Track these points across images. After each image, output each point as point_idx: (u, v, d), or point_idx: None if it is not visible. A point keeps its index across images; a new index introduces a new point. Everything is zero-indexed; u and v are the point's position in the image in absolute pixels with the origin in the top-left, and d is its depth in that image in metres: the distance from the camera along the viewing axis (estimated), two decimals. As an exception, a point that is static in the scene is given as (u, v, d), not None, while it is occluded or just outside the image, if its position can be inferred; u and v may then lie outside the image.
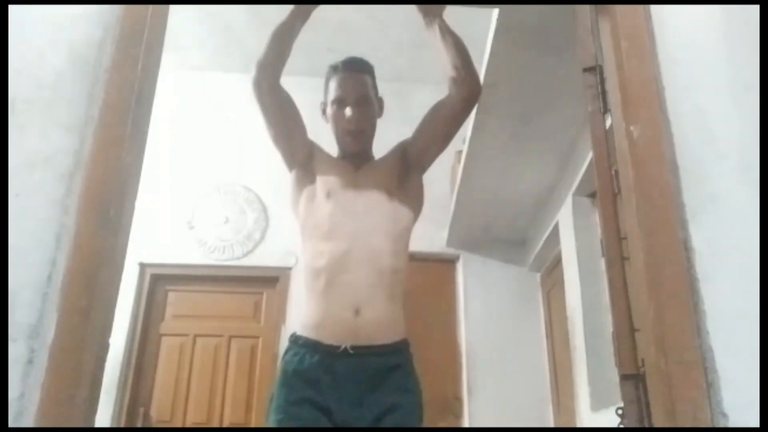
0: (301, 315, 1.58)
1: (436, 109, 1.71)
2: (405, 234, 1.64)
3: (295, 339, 1.55)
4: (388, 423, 1.44)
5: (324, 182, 1.63)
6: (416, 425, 1.50)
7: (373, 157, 1.75)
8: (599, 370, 2.96)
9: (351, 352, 1.47)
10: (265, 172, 4.15)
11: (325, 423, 1.43)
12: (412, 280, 1.65)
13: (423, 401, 1.53)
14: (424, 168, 1.74)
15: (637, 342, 1.22)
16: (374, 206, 1.60)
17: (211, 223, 4.29)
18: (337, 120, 1.69)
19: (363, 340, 1.48)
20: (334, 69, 1.73)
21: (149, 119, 1.33)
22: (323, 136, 1.75)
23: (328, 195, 1.60)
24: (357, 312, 1.49)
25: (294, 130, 1.68)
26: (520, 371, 4.05)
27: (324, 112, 1.75)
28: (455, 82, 1.66)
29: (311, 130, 1.72)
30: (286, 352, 1.54)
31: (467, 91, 1.66)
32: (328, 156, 1.72)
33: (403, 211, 1.64)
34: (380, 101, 1.77)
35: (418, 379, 1.55)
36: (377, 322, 1.51)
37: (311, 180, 1.65)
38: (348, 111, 1.66)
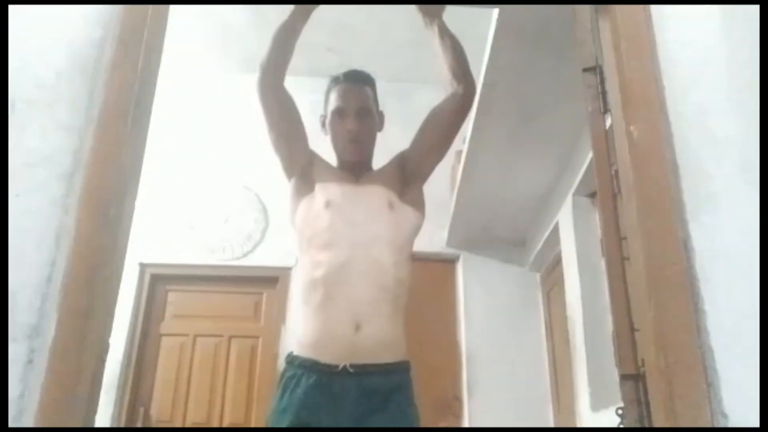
0: (297, 332, 1.53)
1: (432, 116, 1.70)
2: (407, 245, 1.59)
3: (291, 359, 1.49)
4: None
5: (323, 191, 1.59)
6: None
7: (372, 169, 1.72)
8: (599, 370, 2.96)
9: (350, 371, 1.41)
10: (265, 172, 4.15)
11: None
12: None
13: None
14: (423, 177, 1.71)
15: (637, 342, 1.22)
16: (375, 216, 1.56)
17: (211, 223, 4.29)
18: (337, 130, 1.67)
19: (363, 358, 1.43)
20: (335, 80, 1.71)
21: (149, 119, 1.33)
22: (322, 144, 1.73)
23: (327, 204, 1.56)
24: (357, 327, 1.43)
25: (295, 136, 1.66)
26: (520, 371, 4.05)
27: (323, 124, 1.72)
28: (451, 83, 1.67)
29: (310, 134, 1.70)
30: (283, 374, 1.49)
31: (463, 92, 1.66)
32: (328, 165, 1.68)
33: (405, 222, 1.60)
34: (381, 115, 1.74)
35: (418, 410, 1.49)
36: (378, 338, 1.46)
37: (310, 189, 1.61)
38: (348, 121, 1.64)
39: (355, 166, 1.68)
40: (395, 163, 1.72)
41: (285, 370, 1.49)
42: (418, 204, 1.67)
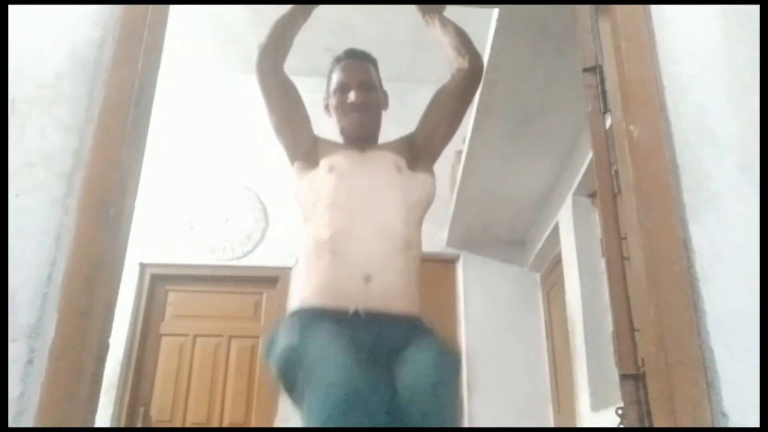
0: (300, 293, 1.42)
1: (440, 92, 1.68)
2: (418, 207, 1.51)
3: (295, 312, 1.37)
4: (419, 350, 1.27)
5: (327, 161, 1.53)
6: (454, 380, 1.32)
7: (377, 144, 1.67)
8: (599, 370, 2.96)
9: (362, 317, 1.30)
10: (265, 172, 4.18)
11: (346, 340, 1.21)
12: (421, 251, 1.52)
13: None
14: (432, 155, 1.65)
15: (637, 342, 1.22)
16: (381, 180, 1.50)
17: (211, 223, 4.29)
18: (341, 104, 1.62)
19: (376, 306, 1.31)
20: (337, 59, 1.68)
21: (149, 119, 1.33)
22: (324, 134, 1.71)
23: (331, 169, 1.50)
24: (367, 279, 1.34)
25: (297, 117, 1.62)
26: (520, 371, 4.05)
27: (327, 107, 1.69)
28: (457, 60, 1.66)
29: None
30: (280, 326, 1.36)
31: (469, 65, 1.64)
32: (333, 142, 1.63)
33: (414, 184, 1.53)
34: (385, 93, 1.72)
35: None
36: (391, 290, 1.35)
37: (314, 165, 1.56)
38: (352, 93, 1.60)
39: (361, 141, 1.62)
40: (403, 140, 1.67)
41: (283, 320, 1.38)
42: (429, 177, 1.60)
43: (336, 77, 1.65)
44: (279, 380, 1.26)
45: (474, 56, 1.66)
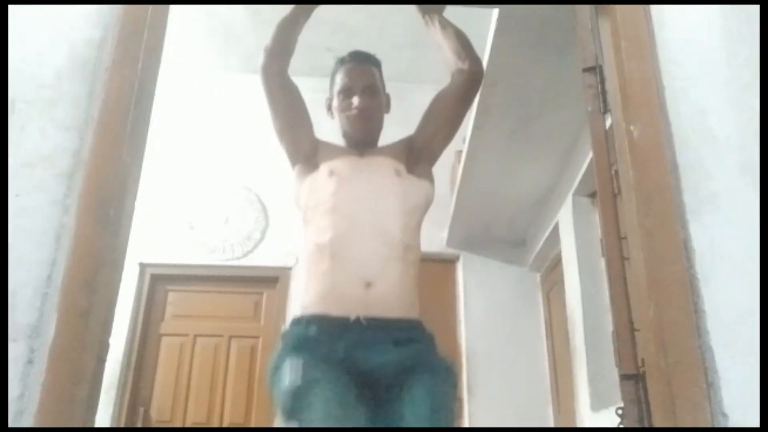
0: (302, 298, 1.45)
1: (440, 95, 1.69)
2: (416, 212, 1.54)
3: (297, 320, 1.40)
4: (416, 384, 1.32)
5: (327, 165, 1.55)
6: (451, 406, 1.37)
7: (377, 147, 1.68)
8: (599, 370, 2.96)
9: (363, 323, 1.33)
10: (265, 172, 4.18)
11: (346, 380, 1.27)
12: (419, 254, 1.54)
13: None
14: (431, 158, 1.67)
15: (637, 342, 1.22)
16: (381, 184, 1.52)
17: (211, 223, 4.29)
18: (344, 108, 1.63)
19: (376, 313, 1.35)
20: (341, 61, 1.68)
21: (149, 119, 1.33)
22: (325, 136, 1.72)
23: (331, 173, 1.52)
24: (368, 285, 1.37)
25: (300, 122, 1.64)
26: (520, 371, 4.05)
27: (329, 107, 1.70)
28: (457, 64, 1.67)
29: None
30: (285, 333, 1.41)
31: (468, 67, 1.65)
32: (334, 146, 1.65)
33: (413, 189, 1.55)
34: (387, 96, 1.73)
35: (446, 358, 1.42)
36: (391, 296, 1.39)
37: (314, 169, 1.58)
38: (356, 98, 1.61)
39: (362, 144, 1.63)
40: (402, 142, 1.69)
41: (287, 331, 1.41)
42: (427, 179, 1.62)
43: (340, 79, 1.66)
44: (279, 408, 1.30)
45: (474, 60, 1.67)
